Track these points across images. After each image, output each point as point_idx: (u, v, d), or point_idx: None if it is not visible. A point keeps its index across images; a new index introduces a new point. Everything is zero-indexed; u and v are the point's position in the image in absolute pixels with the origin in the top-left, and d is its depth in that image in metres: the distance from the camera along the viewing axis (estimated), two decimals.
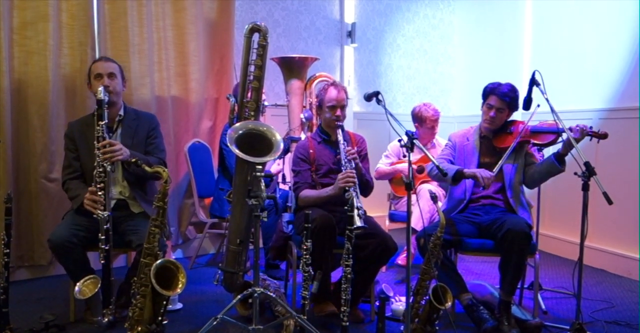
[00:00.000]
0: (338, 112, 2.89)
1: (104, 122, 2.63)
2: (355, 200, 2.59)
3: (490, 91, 2.98)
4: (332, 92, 2.89)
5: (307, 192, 2.88)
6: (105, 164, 2.59)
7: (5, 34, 3.26)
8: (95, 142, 2.61)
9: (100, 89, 2.65)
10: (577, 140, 2.67)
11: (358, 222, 2.52)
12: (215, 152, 4.08)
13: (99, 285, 2.46)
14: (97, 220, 2.58)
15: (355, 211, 2.54)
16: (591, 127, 2.76)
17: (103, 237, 2.55)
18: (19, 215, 3.40)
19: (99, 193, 2.58)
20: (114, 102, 2.79)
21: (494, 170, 2.84)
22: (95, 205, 2.56)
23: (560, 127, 2.72)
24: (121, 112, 2.88)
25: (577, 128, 2.72)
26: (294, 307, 2.84)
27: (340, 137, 2.86)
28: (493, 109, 2.96)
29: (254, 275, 2.33)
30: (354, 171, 2.72)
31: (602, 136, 2.75)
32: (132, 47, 3.71)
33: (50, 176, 3.47)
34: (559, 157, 2.79)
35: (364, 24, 5.29)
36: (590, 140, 2.78)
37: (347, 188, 2.65)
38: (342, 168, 2.75)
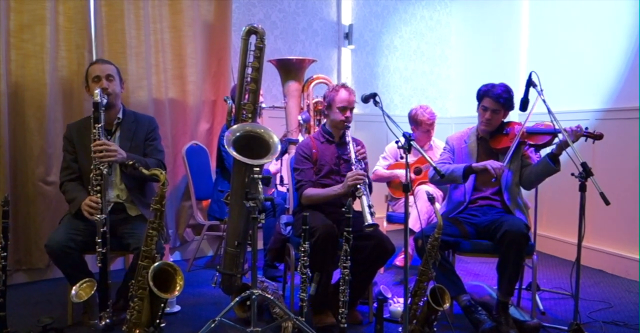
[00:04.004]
0: (348, 113, 2.91)
1: (100, 125, 2.61)
2: (365, 198, 2.62)
3: (484, 93, 2.98)
4: (344, 94, 2.92)
5: (312, 191, 2.87)
6: (101, 167, 2.58)
7: (2, 37, 3.26)
8: (92, 145, 2.61)
9: (97, 91, 2.63)
10: (573, 142, 2.68)
11: (370, 220, 2.54)
12: (212, 154, 4.07)
13: (95, 288, 2.45)
14: (94, 223, 2.57)
15: (367, 209, 2.58)
16: (587, 128, 2.77)
17: (100, 240, 2.54)
18: (17, 219, 3.39)
19: (97, 196, 2.58)
20: (112, 104, 2.78)
21: (503, 161, 2.85)
22: (92, 210, 2.56)
23: (557, 127, 2.73)
24: (120, 115, 2.87)
25: (571, 130, 2.72)
26: (292, 309, 2.84)
27: (348, 138, 2.90)
28: (488, 111, 2.96)
29: (252, 278, 2.33)
30: (364, 170, 2.74)
31: (597, 137, 2.76)
32: (129, 49, 3.71)
33: (47, 179, 3.46)
34: (553, 157, 2.80)
35: (361, 25, 5.30)
36: (586, 140, 2.79)
37: (357, 186, 2.66)
38: (353, 167, 2.77)
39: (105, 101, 2.65)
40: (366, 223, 2.54)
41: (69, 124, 2.96)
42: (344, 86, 2.97)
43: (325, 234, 2.62)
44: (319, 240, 2.59)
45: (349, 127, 2.93)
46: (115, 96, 2.80)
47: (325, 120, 3.09)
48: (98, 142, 2.59)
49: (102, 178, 2.59)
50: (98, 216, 2.55)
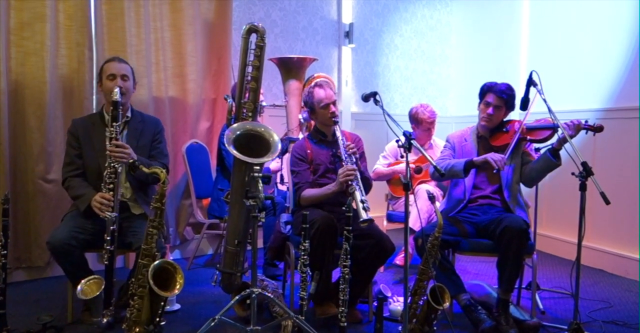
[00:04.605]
0: (332, 109, 2.91)
1: (118, 124, 2.65)
2: (358, 193, 2.61)
3: (487, 89, 3.00)
4: (320, 93, 2.91)
5: (309, 191, 2.88)
6: (116, 165, 2.60)
7: (2, 34, 3.26)
8: (107, 143, 2.62)
9: (116, 90, 2.67)
10: (572, 136, 2.68)
11: (364, 215, 2.54)
12: (213, 152, 4.07)
13: (103, 286, 2.45)
14: (98, 222, 2.59)
15: (360, 205, 2.57)
16: (586, 121, 2.77)
17: (109, 238, 2.55)
18: (16, 217, 3.39)
19: (110, 193, 2.59)
20: (123, 103, 2.80)
21: (505, 154, 2.84)
22: (103, 207, 2.57)
23: (556, 122, 2.73)
24: (128, 114, 2.89)
25: (572, 124, 2.73)
26: (292, 308, 2.84)
27: (338, 133, 2.88)
28: (491, 106, 2.97)
29: (252, 276, 2.33)
30: (354, 165, 2.73)
31: (598, 129, 2.76)
32: (129, 47, 3.71)
33: (47, 177, 3.46)
34: (554, 152, 2.80)
35: (361, 24, 5.29)
36: (586, 133, 2.79)
37: (349, 182, 2.65)
38: (344, 163, 2.76)
39: (121, 100, 2.68)
40: (361, 219, 2.53)
41: (74, 119, 2.96)
42: (316, 85, 2.96)
43: (325, 225, 2.62)
44: (319, 231, 2.59)
45: (337, 122, 2.92)
46: (127, 96, 2.83)
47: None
48: (116, 142, 2.61)
49: (115, 176, 2.61)
50: (109, 214, 2.56)
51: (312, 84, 3.03)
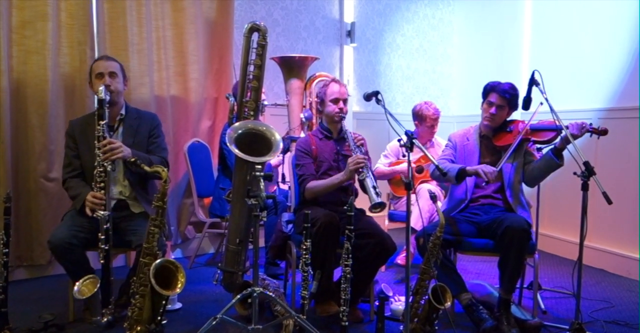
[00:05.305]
0: (341, 105, 2.92)
1: (104, 122, 2.63)
2: (369, 180, 2.64)
3: (491, 88, 2.99)
4: (335, 86, 2.94)
5: (314, 182, 2.88)
6: (105, 164, 2.59)
7: (4, 33, 3.26)
8: (95, 142, 2.61)
9: (101, 88, 2.65)
10: (576, 137, 2.67)
11: (376, 199, 2.56)
12: (214, 151, 4.07)
13: (98, 285, 2.45)
14: (95, 220, 2.58)
15: (372, 190, 2.60)
16: (591, 124, 2.77)
17: (103, 237, 2.55)
18: (18, 215, 3.40)
19: (101, 192, 2.58)
20: (115, 101, 2.79)
21: (497, 166, 2.84)
22: (96, 206, 2.56)
23: (559, 124, 2.73)
24: (122, 111, 2.88)
25: (576, 124, 2.72)
26: (293, 307, 2.84)
27: (345, 127, 2.91)
28: (494, 106, 2.96)
29: (253, 275, 2.33)
30: (364, 155, 2.75)
31: (602, 132, 2.76)
32: (131, 46, 3.71)
33: (49, 175, 3.47)
34: (557, 152, 2.79)
35: (363, 23, 5.29)
36: (591, 136, 2.79)
37: (360, 169, 2.67)
38: (352, 153, 2.78)
39: (108, 98, 2.66)
40: (373, 203, 2.54)
41: (71, 120, 2.96)
42: (334, 80, 2.99)
43: (327, 224, 2.62)
44: (321, 230, 2.59)
45: (344, 117, 2.93)
46: (117, 93, 2.80)
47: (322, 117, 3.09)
48: (103, 141, 2.60)
49: (106, 175, 2.60)
50: (101, 213, 2.55)
51: (330, 78, 3.05)
